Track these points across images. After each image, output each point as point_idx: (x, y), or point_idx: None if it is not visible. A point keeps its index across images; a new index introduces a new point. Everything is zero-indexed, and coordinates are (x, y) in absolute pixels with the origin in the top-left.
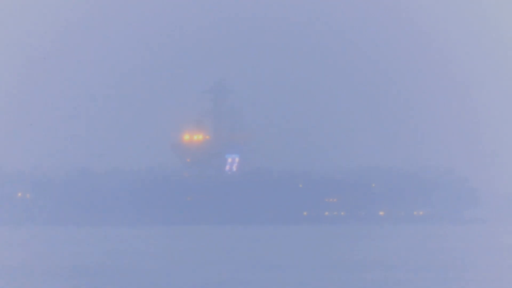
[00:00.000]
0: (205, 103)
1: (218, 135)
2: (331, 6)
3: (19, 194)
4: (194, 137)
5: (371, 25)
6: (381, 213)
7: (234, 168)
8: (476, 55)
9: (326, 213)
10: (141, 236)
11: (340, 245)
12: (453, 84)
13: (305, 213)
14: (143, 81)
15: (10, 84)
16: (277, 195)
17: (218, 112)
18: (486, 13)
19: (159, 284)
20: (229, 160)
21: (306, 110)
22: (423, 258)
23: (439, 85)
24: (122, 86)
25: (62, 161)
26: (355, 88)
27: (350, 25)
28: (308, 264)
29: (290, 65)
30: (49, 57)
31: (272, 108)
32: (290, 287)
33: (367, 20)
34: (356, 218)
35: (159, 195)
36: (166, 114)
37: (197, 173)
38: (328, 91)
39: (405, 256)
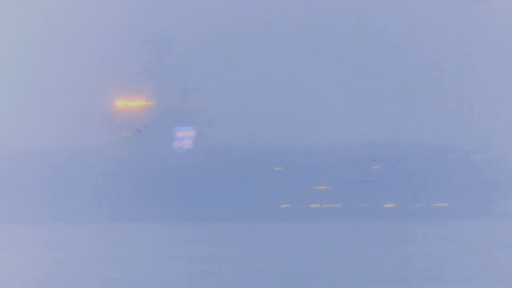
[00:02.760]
0: (145, 56)
1: (164, 101)
2: None
3: None
4: (131, 103)
5: None
6: (388, 205)
7: (187, 145)
8: None
9: (314, 205)
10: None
11: (346, 250)
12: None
13: (284, 205)
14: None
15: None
16: (246, 182)
17: (163, 69)
18: None
19: None
20: (180, 134)
21: (283, 69)
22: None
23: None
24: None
25: None
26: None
27: None
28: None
29: (265, 11)
30: None
31: (235, 66)
32: None
33: None
34: (354, 212)
35: (81, 183)
36: (89, 73)
37: (136, 153)
38: (317, 47)
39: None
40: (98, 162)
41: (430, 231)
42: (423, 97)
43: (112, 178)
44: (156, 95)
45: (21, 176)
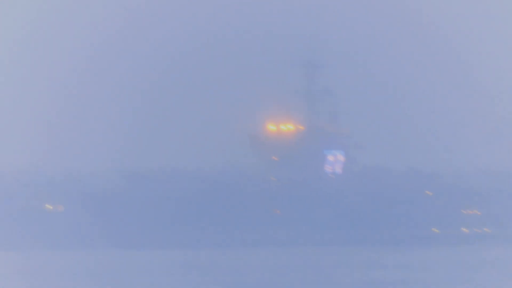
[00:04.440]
0: (295, 81)
1: (314, 125)
2: None
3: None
4: (281, 127)
5: None
6: None
7: (337, 169)
8: None
9: (465, 229)
10: (207, 264)
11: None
12: None
13: (435, 229)
14: (203, 54)
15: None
16: (397, 206)
17: (313, 93)
18: None
19: None
20: (330, 158)
21: (432, 92)
22: None
23: None
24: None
25: (101, 164)
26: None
27: None
28: None
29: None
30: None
31: (383, 88)
32: None
33: None
34: (506, 237)
35: (233, 207)
36: (241, 97)
37: (287, 177)
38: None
39: None
40: (249, 185)
41: None
42: None
43: (263, 202)
44: (306, 119)
45: (142, 199)
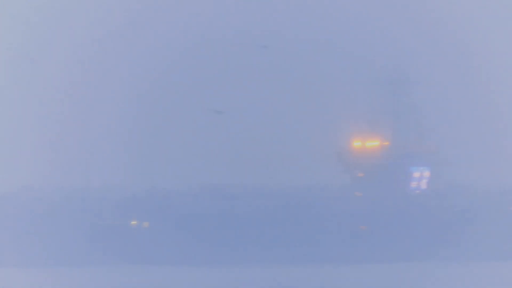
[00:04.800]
0: (381, 98)
1: (400, 141)
2: None
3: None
4: (367, 143)
5: None
6: None
7: (423, 186)
8: None
9: None
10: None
11: None
12: None
13: None
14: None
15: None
16: (487, 225)
17: (399, 109)
18: None
19: None
20: (416, 174)
21: None
22: None
23: None
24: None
25: (185, 181)
26: None
27: None
28: None
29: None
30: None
31: (471, 107)
32: None
33: None
34: None
35: (319, 223)
36: (327, 114)
37: (372, 193)
38: None
39: None
40: (335, 201)
41: None
42: None
43: (349, 218)
44: (392, 135)
45: (228, 216)
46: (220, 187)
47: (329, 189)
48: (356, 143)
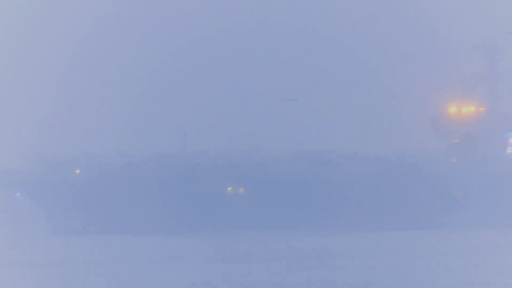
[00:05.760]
0: (478, 64)
1: (495, 107)
2: None
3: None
4: (463, 109)
5: None
6: None
7: None
8: None
9: None
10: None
11: None
12: None
13: None
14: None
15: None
16: None
17: (495, 74)
18: None
19: None
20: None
21: None
22: None
23: None
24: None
25: (284, 147)
26: None
27: None
28: None
29: None
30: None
31: None
32: None
33: None
34: None
35: (414, 189)
36: (422, 80)
37: (467, 159)
38: None
39: None
40: (430, 167)
41: None
42: None
43: (444, 184)
44: (489, 101)
45: (324, 182)
46: (316, 153)
47: (424, 155)
48: (452, 109)
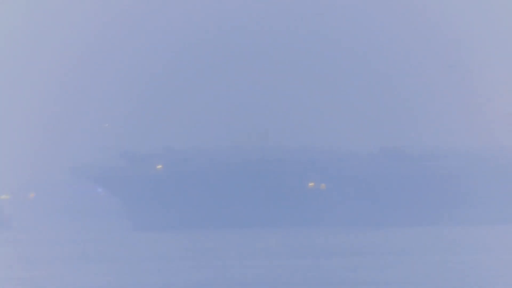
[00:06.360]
0: None
1: None
2: None
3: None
4: None
5: None
6: None
7: None
8: None
9: None
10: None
11: None
12: None
13: None
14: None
15: None
16: None
17: None
18: None
19: None
20: None
21: None
22: None
23: None
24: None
25: (365, 144)
26: None
27: None
28: None
29: None
30: None
31: None
32: None
33: None
34: None
35: (485, 185)
36: (499, 74)
37: None
38: None
39: None
40: (503, 162)
41: None
42: None
43: None
44: None
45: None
46: (394, 149)
47: (498, 150)
48: None
